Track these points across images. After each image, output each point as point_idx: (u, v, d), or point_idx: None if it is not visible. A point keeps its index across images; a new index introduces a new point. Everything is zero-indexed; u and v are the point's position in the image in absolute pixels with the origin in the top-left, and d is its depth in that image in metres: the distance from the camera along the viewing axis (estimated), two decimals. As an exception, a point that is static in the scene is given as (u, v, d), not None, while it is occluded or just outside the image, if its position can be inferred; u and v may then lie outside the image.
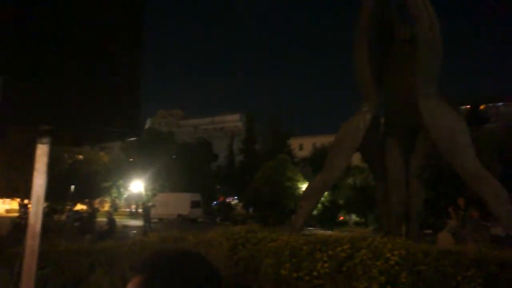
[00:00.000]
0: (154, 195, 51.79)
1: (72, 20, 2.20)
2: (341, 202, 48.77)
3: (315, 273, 6.58)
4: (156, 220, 41.43)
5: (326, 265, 6.56)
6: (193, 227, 25.15)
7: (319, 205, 46.09)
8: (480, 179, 11.75)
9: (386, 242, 6.64)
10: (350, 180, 47.34)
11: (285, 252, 7.17)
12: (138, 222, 34.84)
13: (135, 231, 28.40)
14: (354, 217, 56.48)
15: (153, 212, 33.86)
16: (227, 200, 62.80)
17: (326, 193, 46.20)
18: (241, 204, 59.80)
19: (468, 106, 59.44)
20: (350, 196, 47.03)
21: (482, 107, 66.50)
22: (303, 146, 79.61)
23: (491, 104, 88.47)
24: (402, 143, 14.37)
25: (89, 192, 43.54)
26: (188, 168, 55.23)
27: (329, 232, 15.20)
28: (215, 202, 60.62)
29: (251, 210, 54.50)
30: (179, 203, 45.17)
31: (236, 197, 63.33)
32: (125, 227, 30.79)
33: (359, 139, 13.50)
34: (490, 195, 11.54)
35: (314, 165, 47.93)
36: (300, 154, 64.33)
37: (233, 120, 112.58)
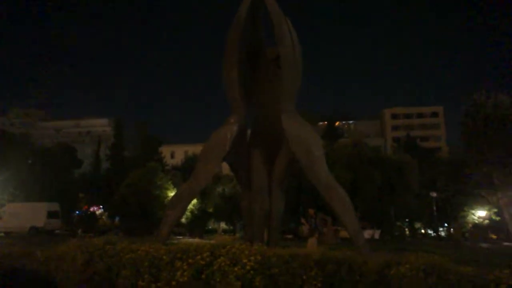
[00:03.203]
0: (2, 205, 45.47)
1: None
2: (210, 210, 49.39)
3: (174, 283, 6.58)
4: (1, 234, 36.45)
5: (185, 273, 6.61)
6: (48, 240, 22.76)
7: (188, 213, 45.99)
8: (330, 189, 13.22)
9: (244, 248, 7.00)
10: (219, 189, 48.31)
11: (145, 263, 7.02)
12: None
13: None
14: (223, 225, 57.73)
15: (-1, 224, 29.69)
16: (92, 209, 58.52)
17: (195, 201, 46.41)
18: (106, 213, 56.31)
19: (326, 123, 66.43)
20: (219, 204, 47.96)
21: (337, 124, 74.76)
22: (174, 154, 78.81)
23: (344, 122, 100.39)
24: (266, 154, 15.35)
25: None
26: (47, 174, 49.98)
27: (196, 240, 15.33)
28: (77, 212, 55.92)
29: (117, 220, 51.69)
30: (32, 214, 40.34)
31: (101, 207, 59.38)
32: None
33: (226, 149, 14.00)
34: (337, 203, 13.05)
35: (186, 173, 47.74)
36: (171, 162, 63.47)
37: (101, 125, 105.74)
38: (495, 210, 50.13)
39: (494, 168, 47.18)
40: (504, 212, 49.12)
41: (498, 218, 49.70)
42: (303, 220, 17.02)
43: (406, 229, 52.78)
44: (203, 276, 6.62)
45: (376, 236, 43.37)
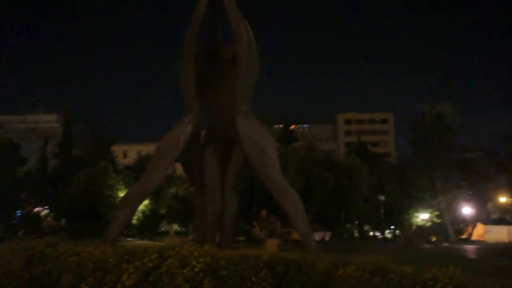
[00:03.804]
0: None
1: None
2: (162, 211, 48.46)
3: (119, 286, 6.37)
4: None
5: (132, 276, 6.42)
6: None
7: (140, 214, 44.86)
8: (282, 191, 13.36)
9: (193, 250, 6.90)
10: (172, 190, 47.55)
11: (89, 265, 6.75)
12: None
13: None
14: (175, 227, 56.80)
15: None
16: (36, 210, 55.49)
17: (147, 202, 45.40)
18: (52, 214, 53.65)
19: (281, 126, 67.35)
20: (172, 205, 47.16)
21: (292, 127, 75.98)
22: (127, 153, 76.62)
23: (299, 125, 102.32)
24: (219, 154, 15.25)
25: None
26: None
27: (146, 243, 14.92)
28: (18, 213, 52.80)
29: (63, 221, 49.43)
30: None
31: (47, 207, 56.50)
32: None
33: (179, 149, 13.78)
34: (289, 205, 13.21)
35: (138, 173, 46.54)
36: (124, 161, 61.65)
37: (49, 121, 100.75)
38: (437, 213, 52.98)
39: (436, 173, 49.93)
40: (444, 214, 52.03)
41: (439, 221, 52.51)
42: (255, 222, 17.13)
43: (355, 231, 54.48)
44: (150, 278, 6.45)
45: (327, 238, 44.41)
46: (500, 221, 56.83)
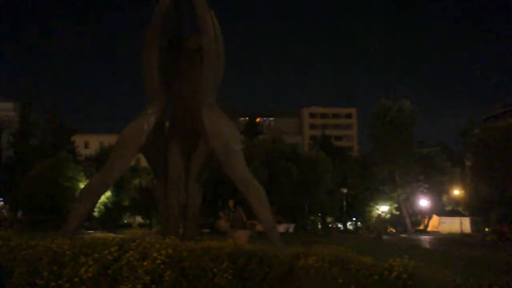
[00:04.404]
0: None
1: None
2: (126, 203, 47.58)
3: (76, 279, 6.20)
4: None
5: (90, 269, 6.26)
6: None
7: (101, 207, 43.82)
8: (246, 183, 13.40)
9: (155, 242, 6.82)
10: (136, 181, 46.73)
11: (44, 259, 6.52)
12: None
13: None
14: (139, 219, 55.90)
15: None
16: (-11, 202, 53.09)
17: (109, 193, 44.38)
18: (7, 206, 51.43)
19: (247, 118, 67.47)
20: (135, 197, 46.38)
21: (258, 120, 76.17)
22: (89, 144, 74.40)
23: (265, 118, 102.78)
24: (184, 146, 15.07)
25: None
26: None
27: (108, 235, 14.56)
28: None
29: (20, 213, 47.50)
30: None
31: (1, 199, 54.09)
32: None
33: (142, 140, 13.49)
34: (253, 197, 13.27)
35: (100, 164, 45.30)
36: (85, 152, 59.81)
37: (5, 109, 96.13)
38: (396, 205, 54.96)
39: (396, 167, 51.70)
40: (402, 207, 54.08)
41: (397, 213, 54.53)
42: (221, 214, 17.09)
43: (319, 223, 55.62)
44: (109, 271, 6.31)
45: (291, 230, 45.10)
46: (453, 213, 59.82)
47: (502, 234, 35.87)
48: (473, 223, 56.85)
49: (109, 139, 56.84)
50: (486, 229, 45.28)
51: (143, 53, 13.86)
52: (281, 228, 41.11)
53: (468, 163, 55.87)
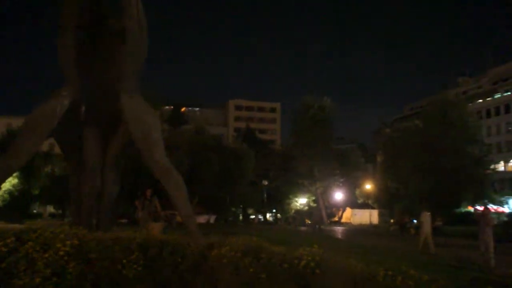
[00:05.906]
0: None
1: None
2: (36, 192, 44.16)
3: (-38, 275, 5.62)
4: None
5: (-19, 263, 5.71)
6: None
7: (6, 195, 40.27)
8: (165, 172, 13.06)
9: (59, 233, 6.40)
10: (48, 168, 43.53)
11: None
12: None
13: None
14: (50, 209, 52.28)
15: None
16: None
17: (15, 181, 40.85)
18: None
19: (172, 107, 65.99)
20: (47, 185, 43.21)
21: (183, 109, 74.93)
22: (-6, 126, 67.68)
23: (190, 108, 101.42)
24: (100, 133, 14.24)
25: None
26: None
27: (13, 226, 13.36)
28: None
29: None
30: None
31: None
32: None
33: (53, 123, 12.51)
34: (172, 187, 12.99)
35: (7, 149, 41.39)
36: (-11, 135, 54.29)
37: None
38: (313, 198, 57.62)
39: (315, 162, 54.11)
40: (319, 199, 56.85)
41: (315, 205, 57.22)
42: (136, 203, 16.54)
43: (240, 214, 56.41)
44: (3, 265, 5.79)
45: (212, 221, 45.17)
46: (364, 206, 64.46)
47: (402, 225, 39.41)
48: (380, 215, 61.67)
49: (18, 122, 52.16)
50: (391, 221, 49.33)
51: (58, 31, 12.87)
52: (202, 219, 41.00)
53: (379, 160, 60.29)
